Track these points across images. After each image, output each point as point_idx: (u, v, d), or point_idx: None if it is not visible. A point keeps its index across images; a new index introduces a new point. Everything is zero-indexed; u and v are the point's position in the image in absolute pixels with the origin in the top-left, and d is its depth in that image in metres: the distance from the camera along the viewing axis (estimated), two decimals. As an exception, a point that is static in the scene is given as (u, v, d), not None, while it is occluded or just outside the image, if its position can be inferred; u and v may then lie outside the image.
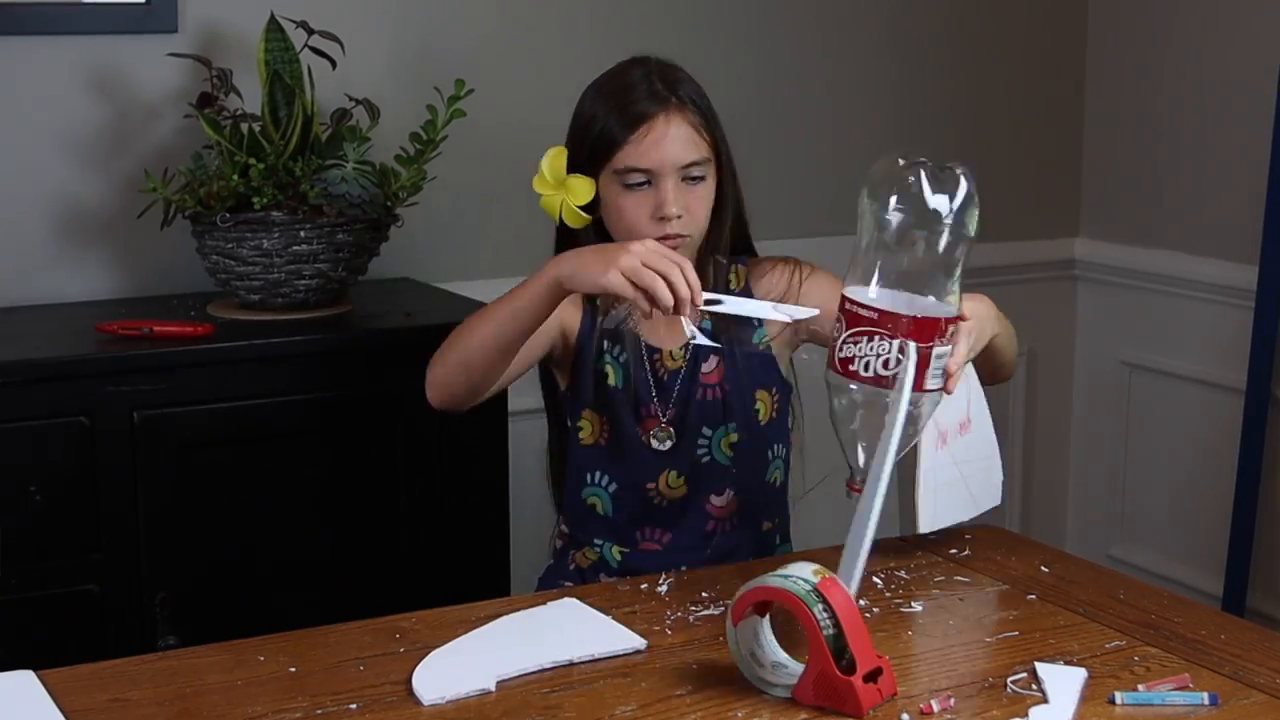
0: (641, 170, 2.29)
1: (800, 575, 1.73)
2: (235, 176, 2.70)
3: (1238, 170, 3.56)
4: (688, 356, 2.38)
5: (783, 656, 1.78)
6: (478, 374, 2.27)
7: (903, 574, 2.13)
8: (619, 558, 2.39)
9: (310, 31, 2.81)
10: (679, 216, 2.29)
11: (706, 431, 2.37)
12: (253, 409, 2.62)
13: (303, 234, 2.73)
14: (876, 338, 1.91)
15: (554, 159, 2.33)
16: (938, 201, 2.04)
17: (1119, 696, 1.74)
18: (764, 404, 2.40)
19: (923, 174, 2.02)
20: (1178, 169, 3.70)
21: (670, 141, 2.29)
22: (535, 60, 3.27)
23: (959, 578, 2.13)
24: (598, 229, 2.35)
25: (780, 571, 1.75)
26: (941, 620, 1.98)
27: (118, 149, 2.94)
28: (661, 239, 2.24)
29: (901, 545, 2.24)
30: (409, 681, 1.78)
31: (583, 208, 2.32)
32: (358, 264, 2.83)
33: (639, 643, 1.88)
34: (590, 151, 2.32)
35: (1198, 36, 3.64)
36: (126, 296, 2.95)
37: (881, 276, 1.97)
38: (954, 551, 2.22)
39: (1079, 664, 1.84)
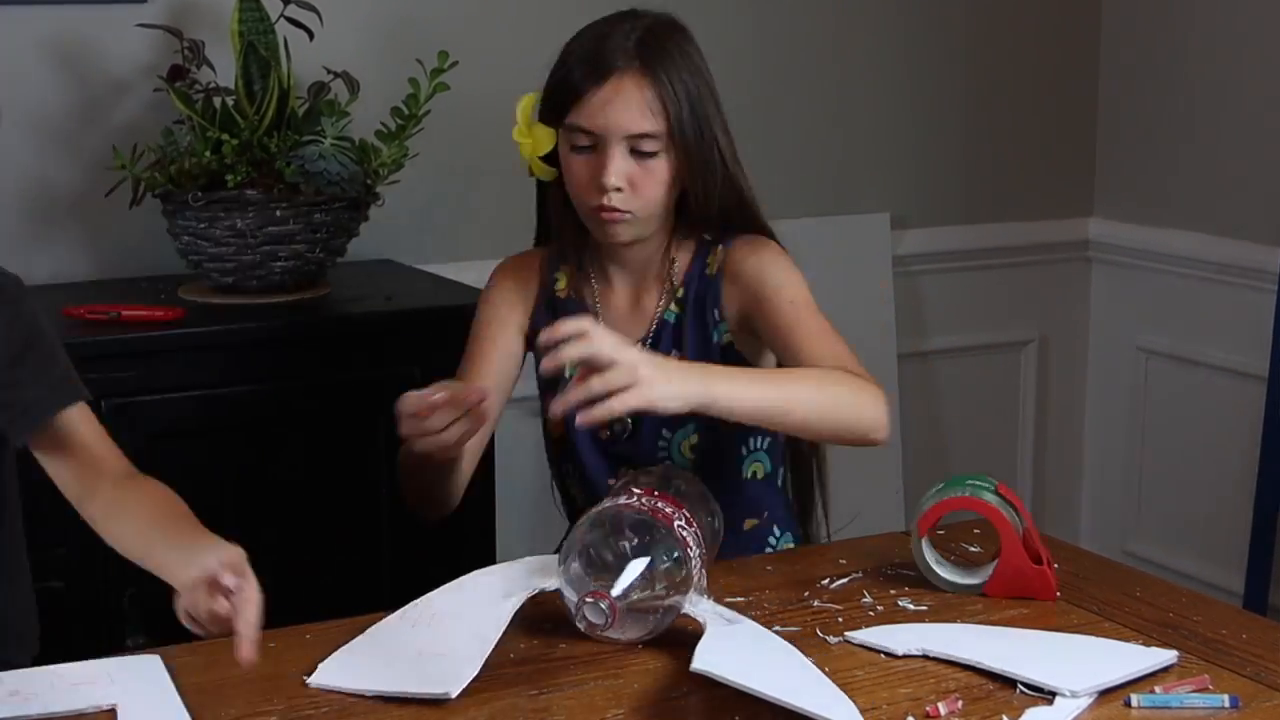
0: (586, 131, 2.21)
1: (979, 483, 2.04)
2: (208, 153, 2.70)
3: (1260, 146, 3.55)
4: (647, 348, 2.25)
5: (945, 564, 2.08)
6: (444, 495, 2.28)
7: (908, 570, 2.13)
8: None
9: (286, 1, 2.81)
10: (618, 189, 2.20)
11: (666, 433, 2.30)
12: (226, 397, 2.62)
13: (278, 213, 2.73)
14: None
15: (525, 105, 2.28)
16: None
17: (1135, 699, 1.74)
18: None
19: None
20: (1197, 145, 3.70)
21: (617, 107, 2.19)
22: (521, 31, 3.27)
23: (967, 574, 2.13)
24: (560, 186, 2.29)
25: (954, 483, 2.05)
26: (949, 619, 1.97)
27: (84, 125, 2.93)
28: (598, 209, 2.21)
29: (906, 540, 2.23)
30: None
31: (548, 160, 2.27)
32: (336, 245, 2.82)
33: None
34: (551, 100, 2.26)
35: (1218, 6, 3.63)
36: (94, 279, 2.95)
37: None
38: (962, 546, 2.22)
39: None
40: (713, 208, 2.28)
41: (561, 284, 2.35)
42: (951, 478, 2.09)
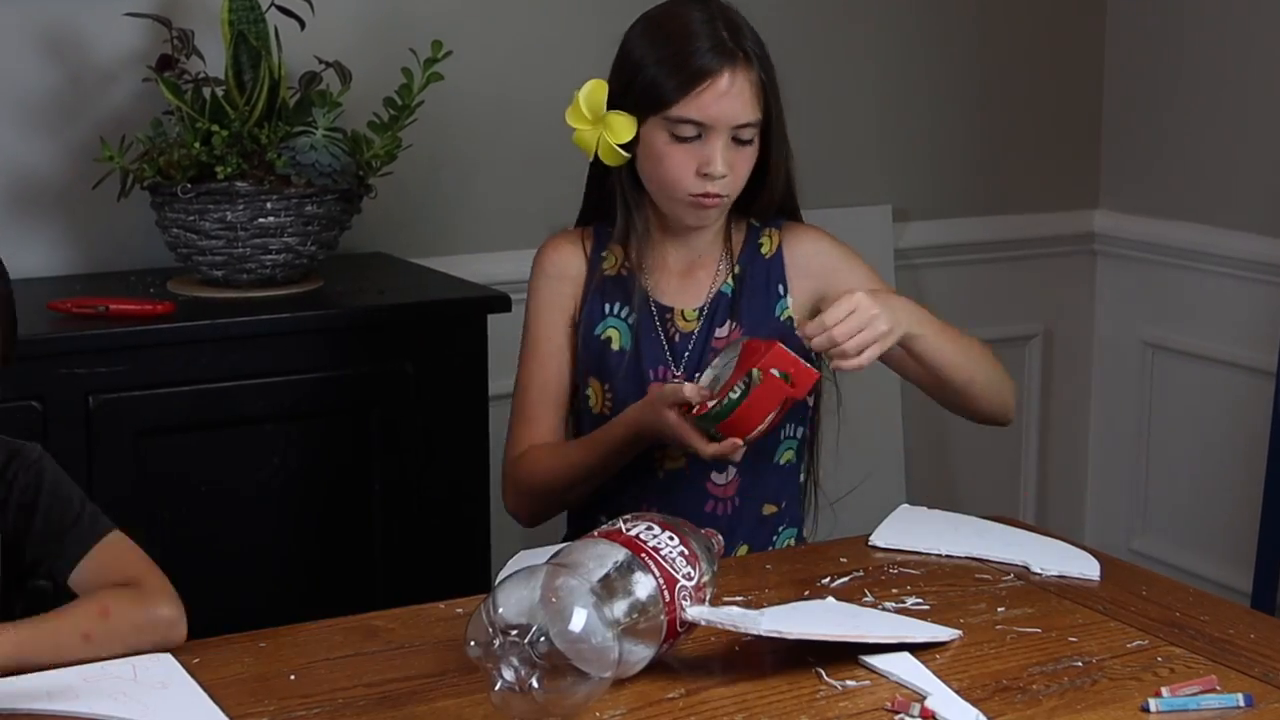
0: (695, 123, 2.31)
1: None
2: (197, 144, 2.69)
3: (1268, 138, 3.55)
4: (702, 317, 2.42)
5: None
6: (571, 499, 2.45)
7: (910, 569, 2.13)
8: None
9: (277, -11, 2.81)
10: (723, 176, 2.33)
11: None
12: (215, 392, 2.62)
13: (269, 206, 2.72)
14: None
15: (593, 92, 2.36)
16: None
17: (1154, 704, 1.74)
18: None
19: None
20: (1204, 135, 3.70)
21: (731, 99, 2.32)
22: (516, 20, 3.26)
23: (969, 573, 2.13)
24: (629, 170, 2.39)
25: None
26: (952, 618, 1.97)
27: (71, 115, 2.93)
28: (701, 195, 2.33)
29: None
30: (383, 683, 1.78)
31: (621, 147, 2.35)
32: (328, 238, 2.82)
33: None
34: (640, 95, 2.34)
35: (1226, -5, 3.64)
36: (81, 272, 2.94)
37: None
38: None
39: (1098, 665, 1.84)
40: (779, 189, 2.45)
41: (610, 263, 2.44)
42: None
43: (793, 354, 2.18)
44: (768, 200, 2.45)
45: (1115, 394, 3.97)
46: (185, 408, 2.59)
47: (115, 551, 1.96)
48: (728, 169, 2.33)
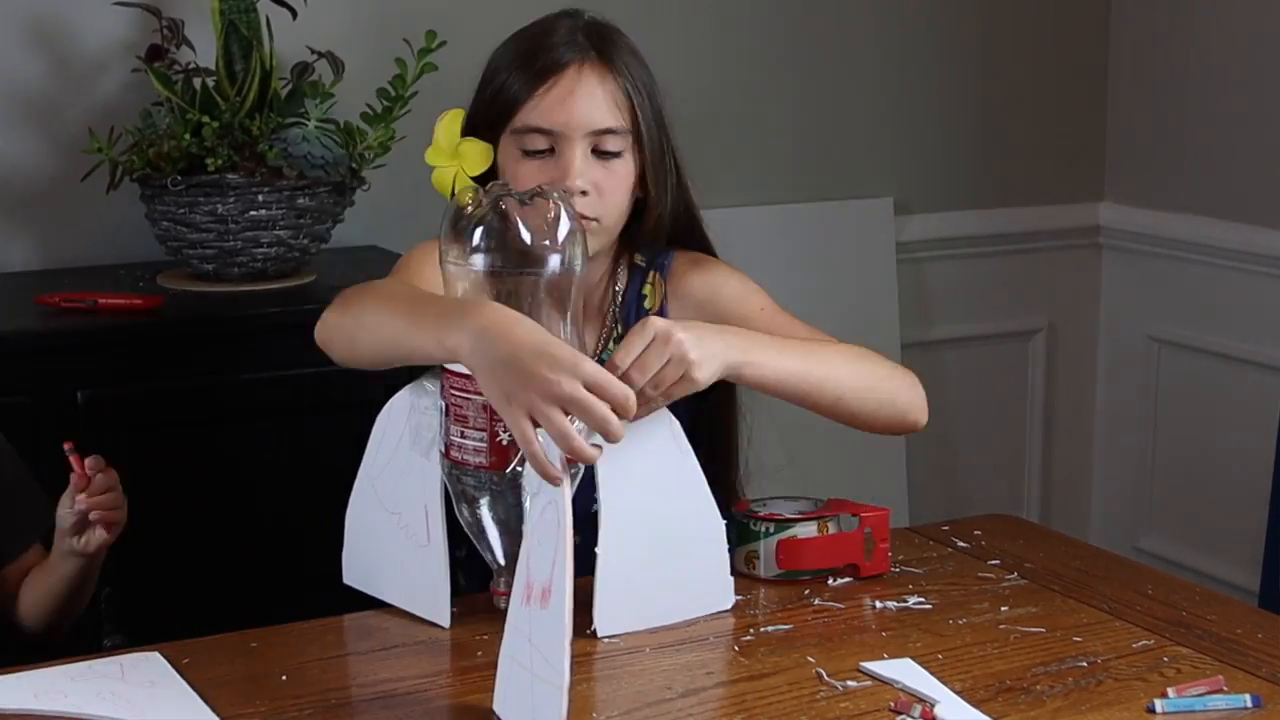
0: (543, 132, 2.07)
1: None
2: (187, 136, 2.69)
3: (1276, 128, 3.55)
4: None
5: None
6: (363, 361, 2.02)
7: (911, 567, 2.13)
8: None
9: (268, -22, 2.81)
10: (584, 192, 2.06)
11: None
12: (206, 388, 2.62)
13: (260, 198, 2.72)
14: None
15: (449, 123, 2.11)
16: (531, 236, 1.79)
17: (1160, 704, 1.74)
18: None
19: (507, 207, 1.78)
20: (1212, 126, 3.70)
21: (581, 100, 2.07)
22: (511, 9, 3.25)
23: (972, 571, 2.14)
24: None
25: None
26: (953, 618, 1.98)
27: (59, 106, 2.93)
28: None
29: (909, 536, 2.24)
30: (377, 683, 1.78)
31: (479, 181, 2.05)
32: (320, 231, 2.82)
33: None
34: (489, 108, 2.12)
35: (1233, -16, 3.64)
36: (69, 266, 2.94)
37: None
38: (967, 544, 2.22)
39: (1103, 665, 1.84)
40: (666, 219, 2.17)
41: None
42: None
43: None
44: (651, 231, 2.16)
45: (1120, 389, 3.98)
46: (175, 403, 2.59)
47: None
48: (588, 185, 2.06)
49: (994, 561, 2.15)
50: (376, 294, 1.99)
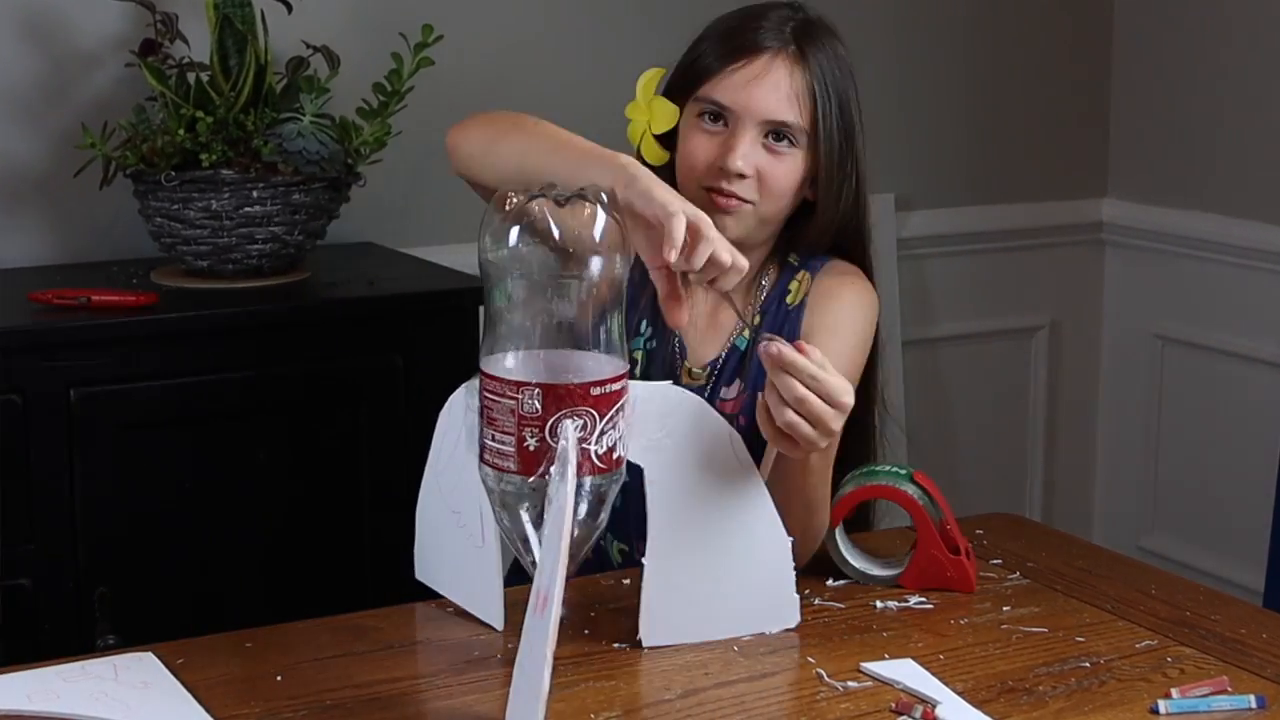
0: (721, 107, 2.14)
1: (896, 471, 2.07)
2: (181, 131, 2.69)
3: (1281, 124, 3.56)
4: (711, 376, 2.23)
5: (860, 554, 2.07)
6: (490, 177, 2.10)
7: (913, 567, 2.13)
8: (619, 558, 2.28)
9: (263, -28, 2.80)
10: (743, 175, 2.12)
11: None
12: (200, 386, 2.61)
13: (255, 194, 2.72)
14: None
15: (649, 79, 2.17)
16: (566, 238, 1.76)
17: (1163, 705, 1.73)
18: None
19: (546, 210, 1.77)
20: (1216, 122, 3.70)
21: (764, 87, 2.13)
22: (509, 4, 3.26)
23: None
24: (672, 176, 2.17)
25: (868, 470, 2.09)
26: (955, 617, 1.97)
27: (52, 101, 2.93)
28: (715, 191, 2.12)
29: (911, 535, 2.23)
30: (372, 684, 1.78)
31: (661, 145, 2.18)
32: (315, 227, 2.82)
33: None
34: (684, 73, 2.19)
35: (1237, -22, 3.64)
36: (62, 263, 2.94)
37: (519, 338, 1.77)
38: (969, 542, 2.22)
39: (1106, 665, 1.84)
40: (831, 227, 2.21)
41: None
42: (868, 468, 2.11)
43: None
44: (814, 236, 2.22)
45: (1124, 387, 3.97)
46: (169, 401, 2.59)
47: None
48: (749, 169, 2.12)
49: (996, 561, 2.16)
50: (524, 116, 2.08)
